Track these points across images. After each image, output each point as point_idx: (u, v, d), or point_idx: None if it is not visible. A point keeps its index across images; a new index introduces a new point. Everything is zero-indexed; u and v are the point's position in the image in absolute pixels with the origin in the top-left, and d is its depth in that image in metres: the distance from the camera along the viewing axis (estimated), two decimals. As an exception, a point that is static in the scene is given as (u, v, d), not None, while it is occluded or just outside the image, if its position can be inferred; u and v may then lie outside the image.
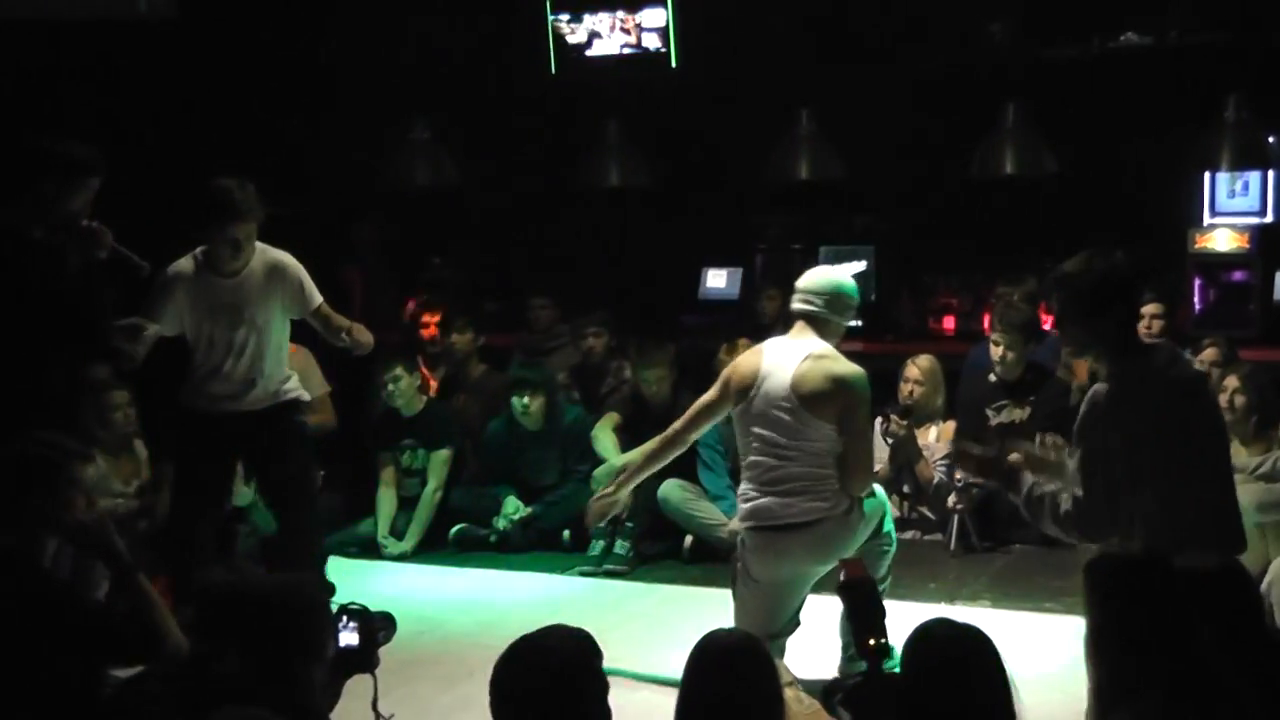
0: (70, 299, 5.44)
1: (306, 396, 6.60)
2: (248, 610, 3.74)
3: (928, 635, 3.45)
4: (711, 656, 3.46)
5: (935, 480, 7.95)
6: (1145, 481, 4.33)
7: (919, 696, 3.36)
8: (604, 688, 3.36)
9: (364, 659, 3.97)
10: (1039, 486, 4.55)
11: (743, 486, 5.70)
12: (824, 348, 5.62)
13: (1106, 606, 3.57)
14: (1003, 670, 3.40)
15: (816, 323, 5.68)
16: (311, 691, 3.70)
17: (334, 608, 3.99)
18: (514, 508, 8.09)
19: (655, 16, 10.18)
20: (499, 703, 3.31)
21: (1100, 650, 3.56)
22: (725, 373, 5.82)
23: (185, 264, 6.30)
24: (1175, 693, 3.37)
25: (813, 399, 5.49)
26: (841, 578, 4.44)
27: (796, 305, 5.76)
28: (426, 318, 9.22)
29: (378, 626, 4.04)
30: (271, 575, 3.97)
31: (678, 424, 5.89)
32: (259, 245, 6.29)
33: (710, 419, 5.90)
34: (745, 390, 5.64)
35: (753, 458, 5.64)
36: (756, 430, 5.61)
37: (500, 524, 8.07)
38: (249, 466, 6.77)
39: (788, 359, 5.60)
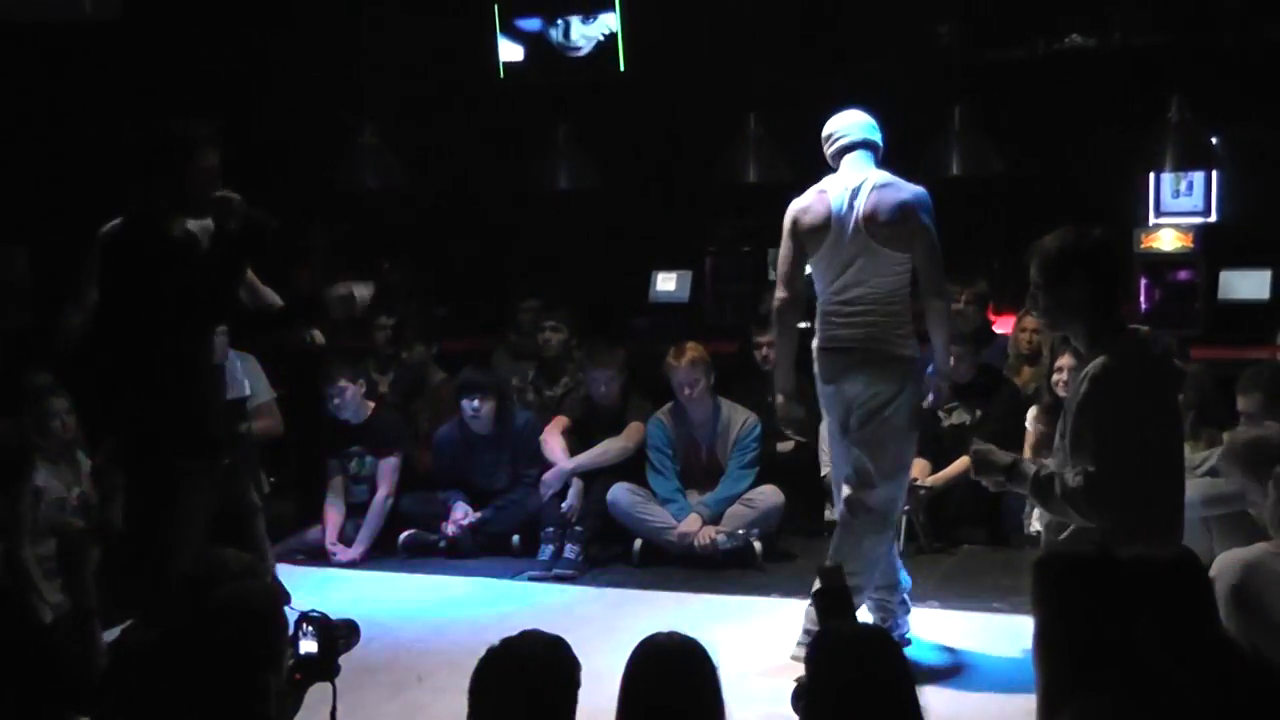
0: (205, 289, 5.38)
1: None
2: (206, 617, 3.71)
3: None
4: (650, 660, 3.46)
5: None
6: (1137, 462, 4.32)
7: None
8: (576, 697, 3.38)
9: (324, 667, 3.94)
10: (1044, 468, 4.51)
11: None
12: (885, 176, 5.96)
13: (1054, 606, 3.56)
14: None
15: (870, 148, 6.03)
16: (268, 699, 3.68)
17: (295, 615, 3.96)
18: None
19: (604, 21, 10.18)
20: (478, 708, 3.31)
21: (1048, 650, 3.56)
22: (789, 220, 6.00)
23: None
24: (1123, 693, 3.38)
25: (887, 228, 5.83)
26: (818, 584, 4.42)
27: (846, 140, 6.04)
28: (382, 320, 9.18)
29: (338, 634, 4.01)
30: (229, 583, 3.89)
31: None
32: None
33: (799, 271, 6.06)
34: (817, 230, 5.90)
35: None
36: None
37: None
38: None
39: (854, 189, 5.91)
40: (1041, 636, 3.58)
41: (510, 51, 10.44)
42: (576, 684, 3.41)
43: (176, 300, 5.29)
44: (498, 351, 9.55)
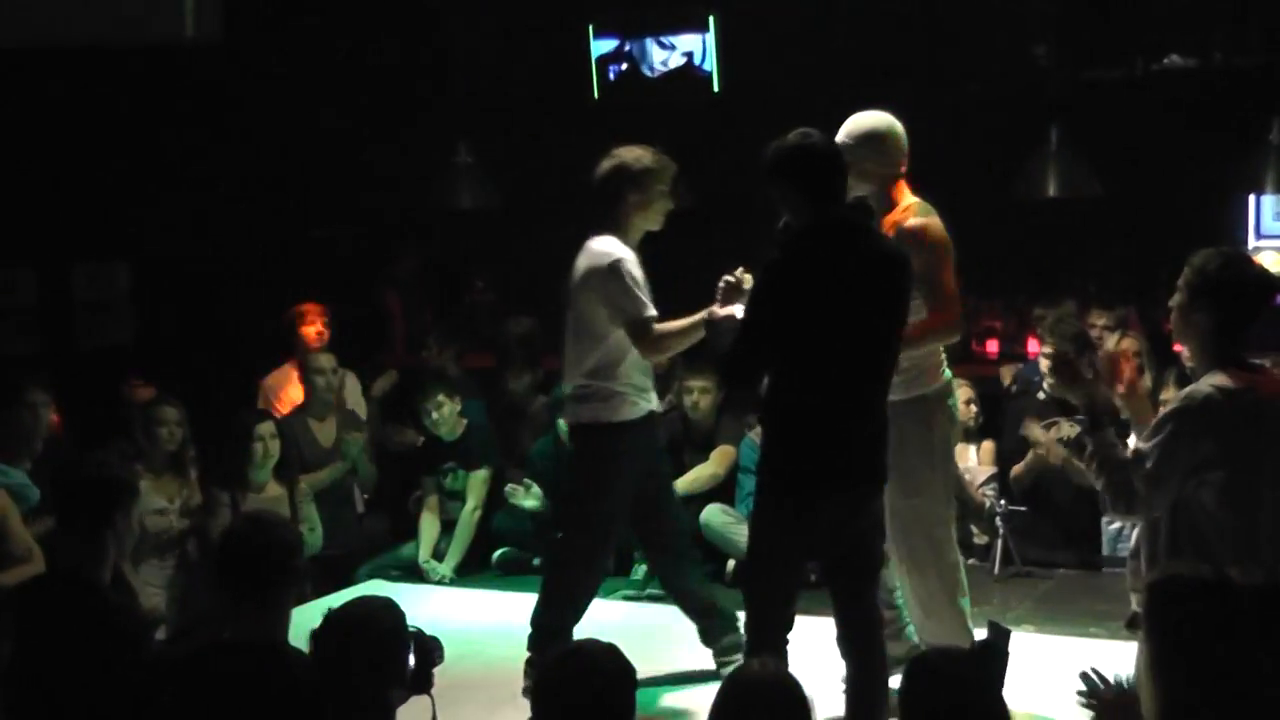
0: None
1: None
2: (332, 636, 3.78)
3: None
4: (743, 694, 3.47)
5: (985, 504, 7.91)
6: (1221, 493, 4.27)
7: None
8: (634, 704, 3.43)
9: (421, 680, 4.00)
10: (1119, 450, 4.47)
11: None
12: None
13: (1170, 629, 3.50)
14: None
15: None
16: (392, 715, 3.78)
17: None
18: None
19: (698, 41, 10.21)
20: (542, 713, 3.36)
21: (1162, 674, 3.49)
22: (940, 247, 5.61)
23: None
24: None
25: None
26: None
27: None
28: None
29: (432, 648, 4.07)
30: (352, 600, 3.98)
31: None
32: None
33: None
34: None
35: None
36: None
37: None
38: None
39: None
40: (1156, 661, 3.51)
41: (603, 72, 10.49)
42: (634, 689, 3.44)
43: None
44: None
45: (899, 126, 5.75)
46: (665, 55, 10.40)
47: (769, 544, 4.96)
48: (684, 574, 6.36)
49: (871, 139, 5.68)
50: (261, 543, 4.01)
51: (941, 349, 5.73)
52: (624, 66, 10.50)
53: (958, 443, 5.96)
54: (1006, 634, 4.08)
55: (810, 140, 5.01)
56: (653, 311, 5.88)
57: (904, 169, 5.73)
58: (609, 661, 3.47)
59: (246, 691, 3.49)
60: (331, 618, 3.81)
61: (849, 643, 5.08)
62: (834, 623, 5.11)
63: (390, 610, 3.88)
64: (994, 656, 3.98)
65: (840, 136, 5.69)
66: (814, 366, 4.84)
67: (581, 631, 5.72)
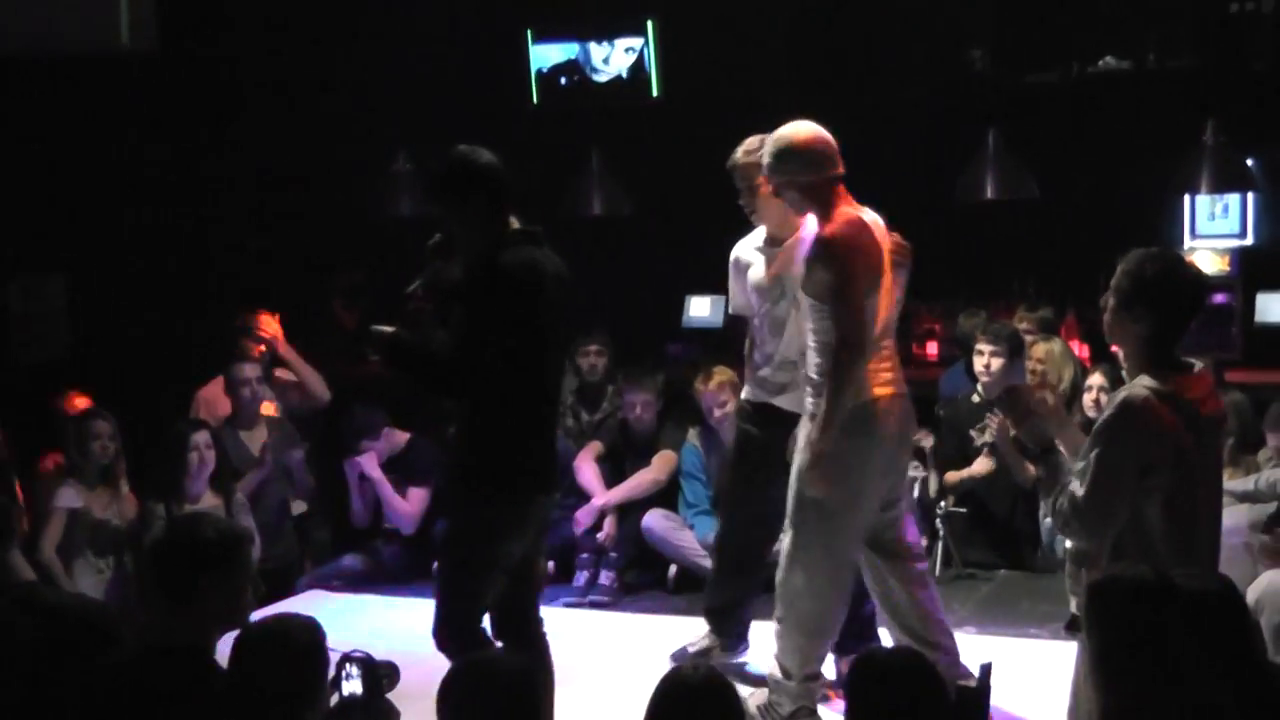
0: None
1: None
2: (245, 653, 3.69)
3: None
4: (676, 694, 3.46)
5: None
6: (1163, 498, 4.24)
7: None
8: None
9: (371, 709, 3.93)
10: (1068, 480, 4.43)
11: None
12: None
13: (1114, 630, 3.53)
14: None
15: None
16: None
17: (337, 656, 3.93)
18: None
19: (635, 45, 10.21)
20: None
21: (1109, 675, 3.52)
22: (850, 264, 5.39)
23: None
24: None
25: None
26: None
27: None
28: None
29: (382, 674, 4.01)
30: (271, 616, 3.87)
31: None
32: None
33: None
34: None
35: None
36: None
37: None
38: None
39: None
40: (1101, 661, 3.53)
41: (543, 77, 10.47)
42: (541, 705, 3.42)
43: None
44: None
45: (824, 133, 5.67)
46: (603, 57, 10.38)
47: (493, 547, 5.01)
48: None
49: (796, 151, 5.61)
50: (189, 540, 3.86)
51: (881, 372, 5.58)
52: (563, 71, 10.47)
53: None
54: (988, 670, 4.19)
55: (487, 154, 5.16)
56: None
57: (838, 174, 5.62)
58: (515, 674, 3.46)
59: (162, 697, 3.43)
60: (245, 634, 3.72)
61: (520, 639, 5.13)
62: (489, 621, 5.14)
63: (308, 630, 3.73)
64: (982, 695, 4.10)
65: (765, 157, 5.66)
66: (534, 374, 5.02)
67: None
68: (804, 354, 5.66)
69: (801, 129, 5.67)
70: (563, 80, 10.47)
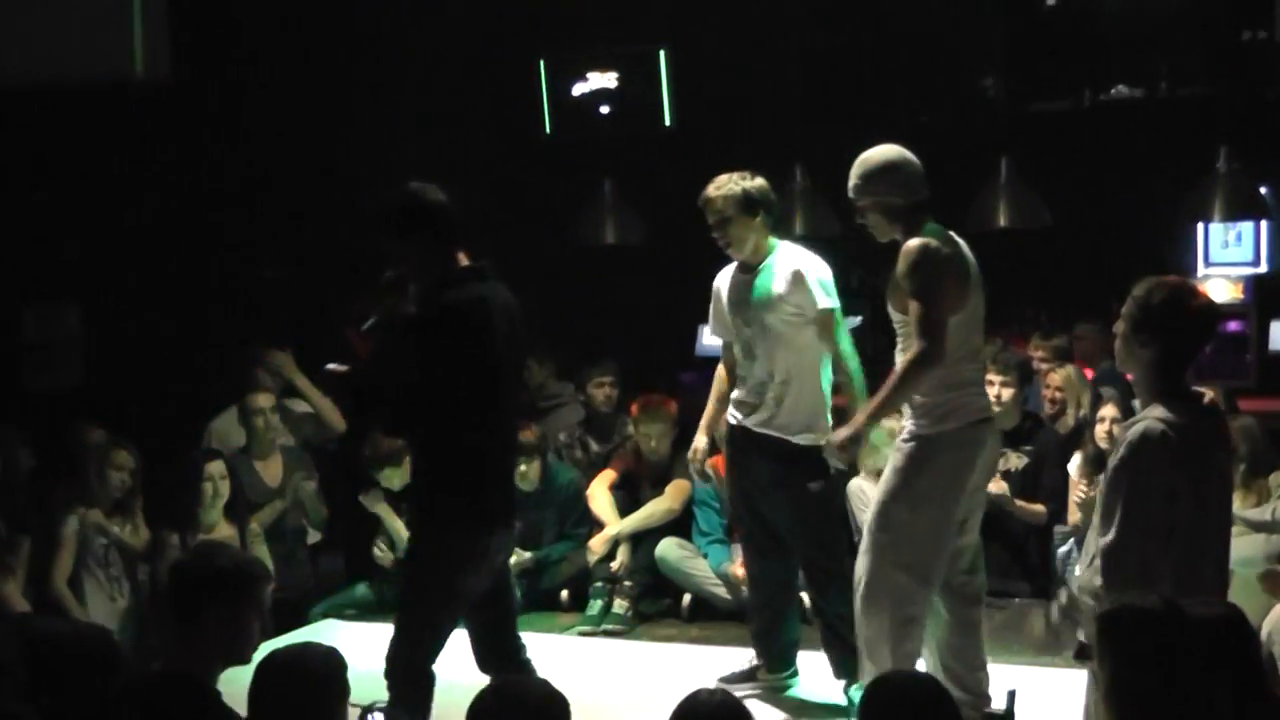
0: None
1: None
2: (264, 681, 3.70)
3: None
4: (692, 718, 3.45)
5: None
6: (1174, 527, 4.23)
7: None
8: None
9: None
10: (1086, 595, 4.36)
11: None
12: None
13: (1124, 659, 3.53)
14: None
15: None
16: None
17: (357, 714, 3.95)
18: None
19: (649, 75, 10.23)
20: None
21: (1120, 703, 3.52)
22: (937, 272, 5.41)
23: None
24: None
25: None
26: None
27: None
28: None
29: None
30: (292, 645, 3.89)
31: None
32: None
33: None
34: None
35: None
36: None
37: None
38: None
39: None
40: (1112, 690, 3.53)
41: (556, 107, 10.50)
42: None
43: None
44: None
45: (911, 155, 5.70)
46: (618, 82, 10.40)
47: (452, 579, 5.06)
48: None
49: (888, 171, 5.62)
50: (205, 565, 3.90)
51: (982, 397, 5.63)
52: (576, 100, 10.50)
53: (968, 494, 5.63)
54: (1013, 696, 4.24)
55: (435, 192, 5.24)
56: None
57: (925, 198, 5.66)
58: (540, 697, 3.47)
59: None
60: (265, 662, 3.74)
61: (508, 670, 5.14)
62: (474, 657, 5.27)
63: (328, 659, 3.76)
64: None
65: (853, 179, 5.67)
66: (487, 409, 5.05)
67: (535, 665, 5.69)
68: (773, 375, 5.96)
69: (890, 151, 5.69)
70: (575, 110, 10.50)
